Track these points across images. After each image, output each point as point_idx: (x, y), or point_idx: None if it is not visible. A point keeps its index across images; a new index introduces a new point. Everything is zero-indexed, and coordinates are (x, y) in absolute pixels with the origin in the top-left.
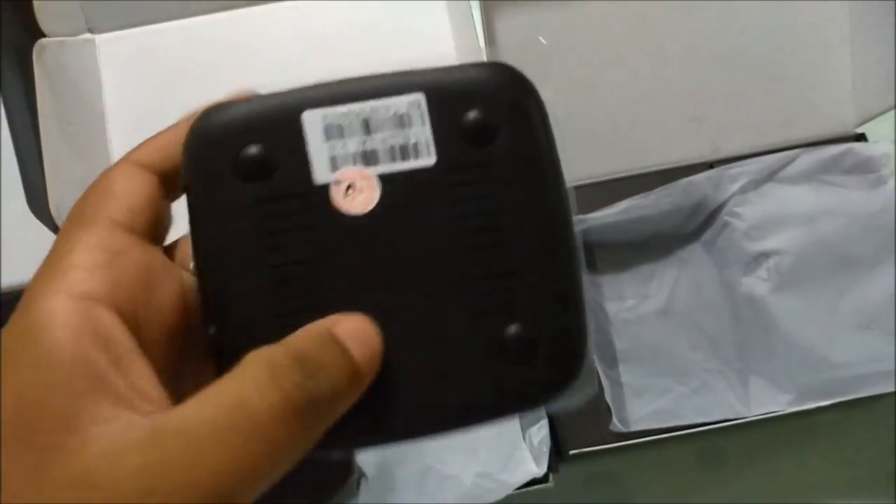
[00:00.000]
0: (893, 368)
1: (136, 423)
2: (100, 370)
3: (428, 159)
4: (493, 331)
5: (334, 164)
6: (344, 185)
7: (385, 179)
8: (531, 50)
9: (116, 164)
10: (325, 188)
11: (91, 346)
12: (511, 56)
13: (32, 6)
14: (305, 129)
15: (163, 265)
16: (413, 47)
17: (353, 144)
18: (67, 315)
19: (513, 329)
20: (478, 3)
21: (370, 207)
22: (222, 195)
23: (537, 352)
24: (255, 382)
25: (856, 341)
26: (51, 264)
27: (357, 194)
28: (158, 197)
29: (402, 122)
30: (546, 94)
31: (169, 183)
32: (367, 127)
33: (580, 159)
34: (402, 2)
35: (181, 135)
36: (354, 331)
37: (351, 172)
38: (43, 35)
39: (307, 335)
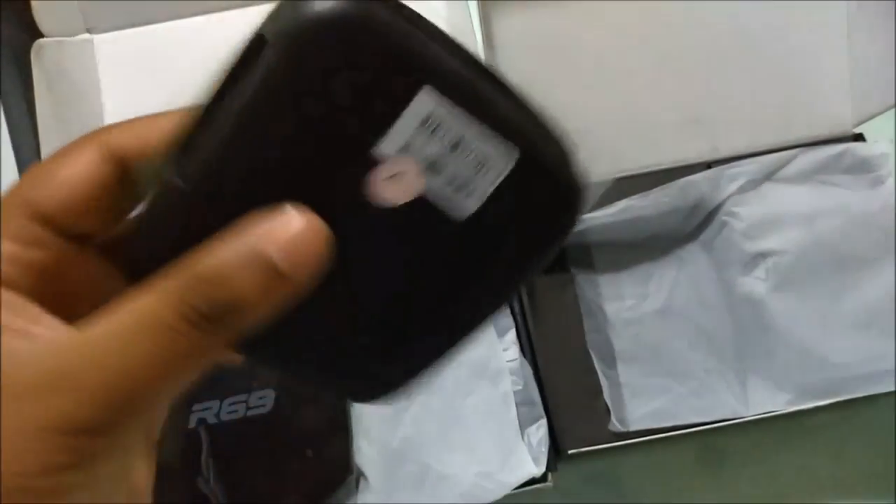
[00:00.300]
0: (892, 368)
1: (45, 337)
2: (14, 303)
3: (465, 210)
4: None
5: (405, 149)
6: (396, 170)
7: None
8: (529, 50)
9: (81, 142)
10: (371, 160)
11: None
12: (508, 56)
13: (31, 6)
14: (414, 100)
15: (79, 262)
16: None
17: (433, 148)
18: None
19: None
20: (475, 2)
21: (397, 201)
22: (287, 85)
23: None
24: (160, 293)
25: (854, 341)
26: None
27: (397, 185)
28: (109, 191)
29: (481, 165)
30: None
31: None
32: (455, 146)
33: (578, 160)
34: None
35: (166, 126)
36: (288, 238)
37: (412, 164)
38: (41, 35)
39: (227, 245)
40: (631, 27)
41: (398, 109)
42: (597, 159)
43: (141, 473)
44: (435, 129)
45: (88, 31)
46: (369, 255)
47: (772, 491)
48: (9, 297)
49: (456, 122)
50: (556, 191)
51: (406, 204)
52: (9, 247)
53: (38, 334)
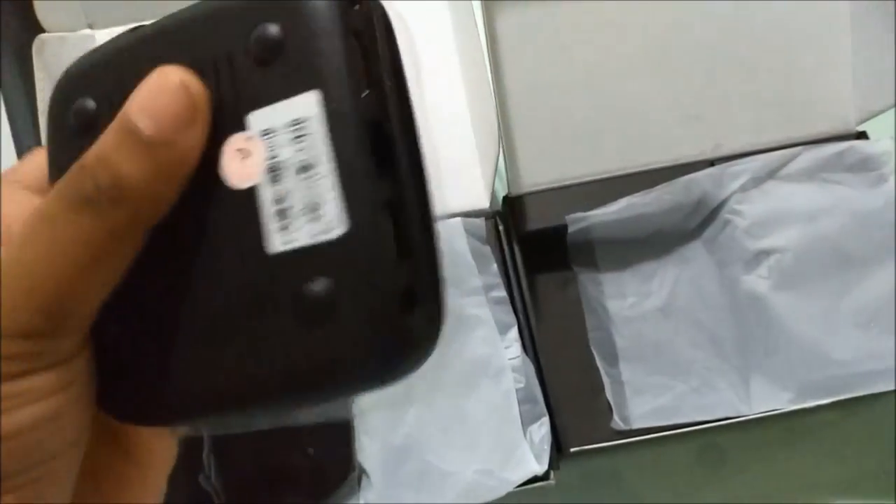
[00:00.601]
0: (893, 366)
1: None
2: None
3: (270, 245)
4: (292, 288)
5: (267, 134)
6: (246, 147)
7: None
8: (532, 49)
9: None
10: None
11: None
12: (512, 55)
13: (32, 2)
14: (304, 94)
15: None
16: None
17: (285, 153)
18: None
19: (314, 285)
20: (479, 2)
21: (231, 182)
22: (58, 140)
23: (340, 309)
24: (52, 193)
25: (857, 339)
26: None
27: (238, 165)
28: None
29: (309, 211)
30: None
31: None
32: (303, 169)
33: (581, 157)
34: (403, 1)
35: None
36: (148, 103)
37: (260, 153)
38: (43, 30)
39: (108, 130)
40: (634, 26)
41: (288, 92)
42: (599, 157)
43: (88, 381)
44: (299, 137)
45: (90, 26)
46: (206, 239)
47: (774, 490)
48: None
49: (319, 148)
50: (370, 321)
51: (238, 194)
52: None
53: None
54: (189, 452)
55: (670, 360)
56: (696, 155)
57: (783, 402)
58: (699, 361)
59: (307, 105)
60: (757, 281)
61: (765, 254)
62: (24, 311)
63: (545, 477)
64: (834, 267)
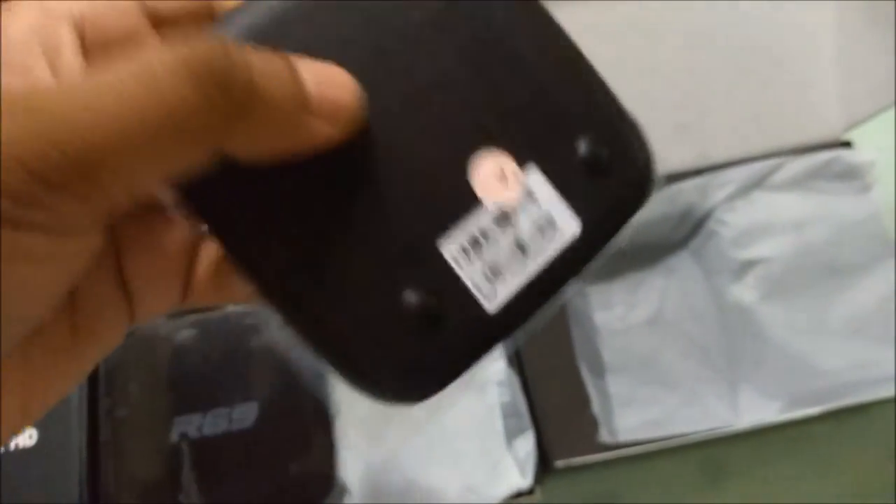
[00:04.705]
0: (882, 375)
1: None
2: (23, 55)
3: None
4: (566, 153)
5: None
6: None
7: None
8: None
9: None
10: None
11: (32, 38)
12: None
13: None
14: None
15: (145, 33)
16: None
17: None
18: (27, 16)
19: (582, 146)
20: None
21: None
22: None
23: (614, 152)
24: (170, 46)
25: (844, 348)
26: None
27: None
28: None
29: None
30: None
31: None
32: None
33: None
34: None
35: None
36: (324, 73)
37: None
38: None
39: (258, 54)
40: (618, 35)
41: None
42: None
43: (80, 267)
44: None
45: None
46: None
47: (769, 501)
48: (23, 41)
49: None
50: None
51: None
52: (92, 16)
53: (28, 77)
54: (169, 471)
55: (658, 371)
56: (682, 165)
57: (772, 413)
58: (687, 373)
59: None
60: (744, 291)
61: (751, 264)
62: (55, 147)
63: (530, 491)
64: (820, 276)
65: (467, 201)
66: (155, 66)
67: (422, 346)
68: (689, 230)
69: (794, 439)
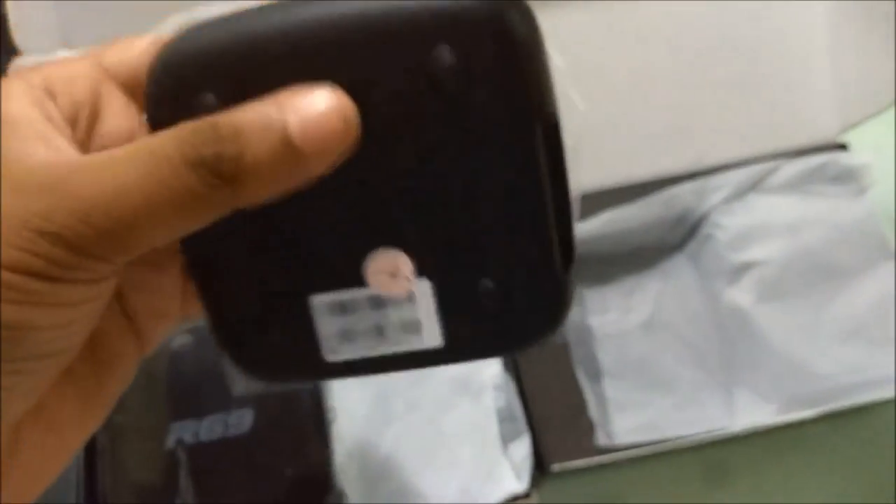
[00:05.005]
0: (878, 377)
1: (54, 152)
2: (38, 125)
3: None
4: (466, 285)
5: None
6: None
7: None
8: None
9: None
10: None
11: (35, 111)
12: None
13: (8, 23)
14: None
15: (117, 102)
16: None
17: None
18: (21, 91)
19: (485, 282)
20: None
21: None
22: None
23: (512, 304)
24: (173, 132)
25: (840, 351)
26: (35, 67)
27: None
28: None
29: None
30: None
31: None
32: None
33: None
34: None
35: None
36: (311, 114)
37: None
38: (19, 53)
39: (252, 108)
40: (613, 37)
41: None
42: (579, 171)
43: (103, 303)
44: None
45: (67, 47)
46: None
47: None
48: (36, 93)
49: None
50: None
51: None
52: (61, 70)
53: (50, 147)
54: (166, 476)
55: (654, 375)
56: (678, 168)
57: (768, 416)
58: (683, 376)
59: None
60: (740, 294)
61: (747, 266)
62: (93, 229)
63: (526, 495)
64: (816, 279)
65: (356, 279)
66: (156, 156)
67: (262, 353)
68: (684, 233)
69: (790, 442)
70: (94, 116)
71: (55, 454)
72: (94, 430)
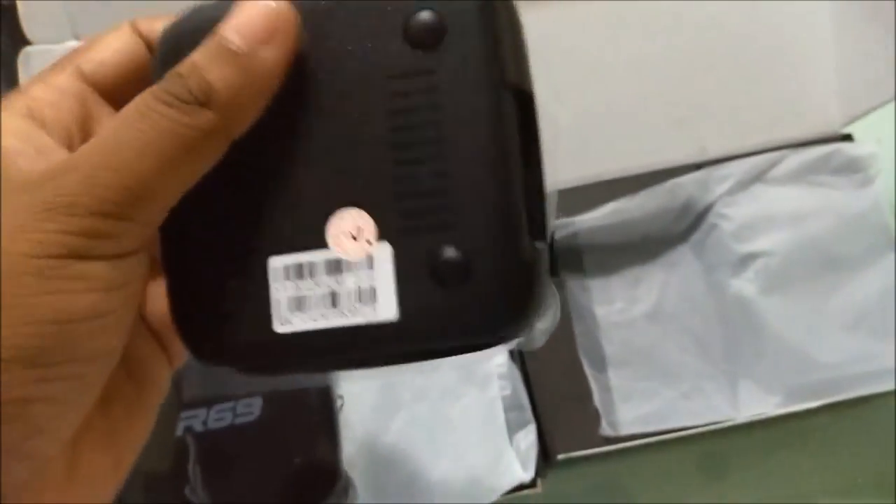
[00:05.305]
0: (881, 368)
1: (52, 157)
2: (25, 155)
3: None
4: (426, 251)
5: None
6: None
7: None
8: None
9: (118, 25)
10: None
11: (23, 144)
12: None
13: (17, 13)
14: None
15: (106, 115)
16: None
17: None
18: (8, 122)
19: (446, 251)
20: None
21: None
22: None
23: (473, 275)
24: (145, 93)
25: (844, 342)
26: (15, 91)
27: None
28: (138, 61)
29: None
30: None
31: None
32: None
33: (566, 162)
34: None
35: None
36: (238, 21)
37: None
38: (28, 43)
39: (202, 44)
40: (616, 29)
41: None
42: (584, 162)
43: (138, 291)
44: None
45: (76, 38)
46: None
47: (769, 496)
48: (25, 125)
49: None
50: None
51: (322, 103)
52: (45, 92)
53: (45, 156)
54: (175, 464)
55: (658, 365)
56: (682, 159)
57: (771, 406)
58: (687, 366)
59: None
60: (744, 285)
61: (752, 257)
62: (105, 188)
63: (532, 484)
64: (821, 269)
65: (318, 240)
66: (139, 110)
67: (211, 324)
68: (689, 224)
69: (793, 432)
70: (86, 135)
71: (113, 472)
72: (142, 444)
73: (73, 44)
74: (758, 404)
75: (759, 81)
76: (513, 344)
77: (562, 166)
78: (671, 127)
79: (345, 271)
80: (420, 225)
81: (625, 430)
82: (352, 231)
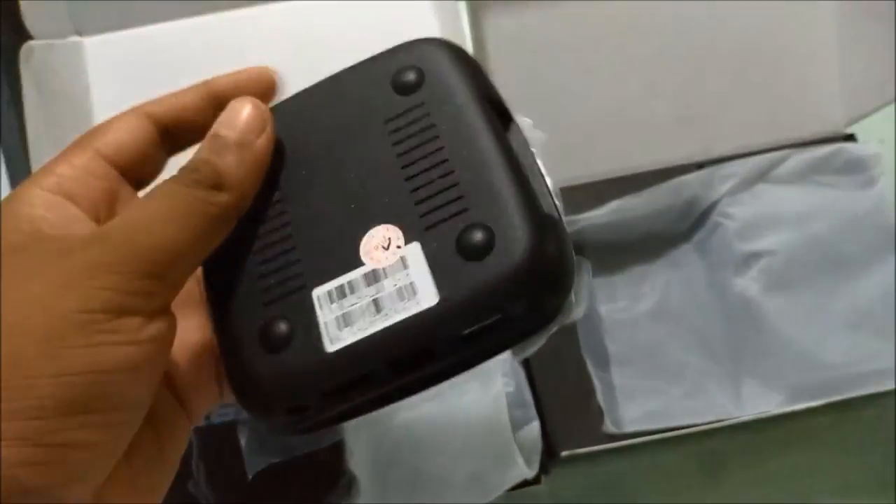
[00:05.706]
0: (884, 368)
1: (82, 227)
2: (59, 225)
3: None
4: (451, 236)
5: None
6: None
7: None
8: (519, 51)
9: (124, 112)
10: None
11: (55, 215)
12: (498, 57)
13: (19, 8)
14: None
15: (128, 196)
16: None
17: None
18: (34, 196)
19: (468, 229)
20: (465, 3)
21: None
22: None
23: (496, 242)
24: (169, 180)
25: (847, 341)
26: (41, 170)
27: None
28: (150, 142)
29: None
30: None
31: (169, 136)
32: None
33: (569, 160)
34: (389, 2)
35: (195, 98)
36: (230, 119)
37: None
38: (30, 38)
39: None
40: (621, 28)
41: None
42: (588, 160)
43: (166, 347)
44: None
45: (78, 33)
46: None
47: (771, 494)
48: (55, 199)
49: None
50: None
51: (333, 145)
52: (71, 170)
53: (77, 225)
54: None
55: (662, 363)
56: (686, 158)
57: (774, 405)
58: (690, 365)
59: None
60: (748, 284)
61: (755, 256)
62: (146, 250)
63: (535, 481)
64: (824, 269)
65: (354, 261)
66: (167, 192)
67: (264, 365)
68: (693, 223)
69: (796, 431)
70: (111, 210)
71: None
72: (163, 494)
73: (75, 39)
74: (761, 403)
75: (764, 81)
76: (560, 320)
77: (566, 164)
78: (675, 126)
79: (382, 279)
80: (440, 217)
81: (628, 428)
82: (382, 243)
